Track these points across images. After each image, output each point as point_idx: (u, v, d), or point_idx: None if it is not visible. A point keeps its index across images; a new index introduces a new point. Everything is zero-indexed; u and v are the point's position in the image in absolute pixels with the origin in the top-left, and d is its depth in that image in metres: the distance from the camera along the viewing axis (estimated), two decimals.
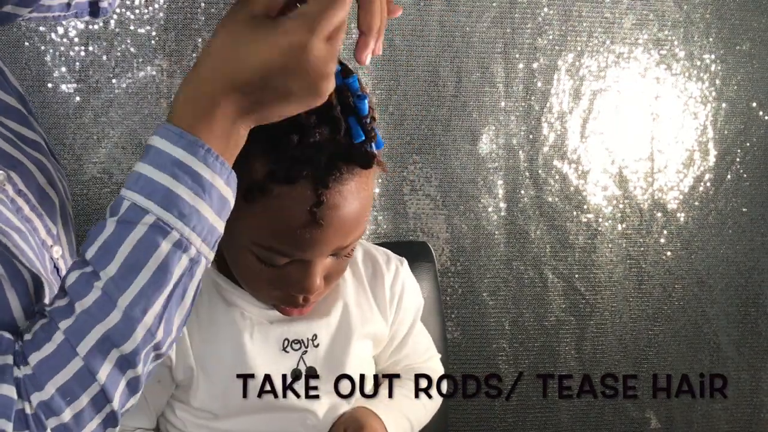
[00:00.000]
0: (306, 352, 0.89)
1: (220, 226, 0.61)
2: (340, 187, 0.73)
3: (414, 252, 1.26)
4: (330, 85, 0.61)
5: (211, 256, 0.62)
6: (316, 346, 0.89)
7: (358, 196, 0.74)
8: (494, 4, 1.45)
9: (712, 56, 1.56)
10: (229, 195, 0.61)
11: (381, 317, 0.95)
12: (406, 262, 0.99)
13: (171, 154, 0.58)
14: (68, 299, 0.58)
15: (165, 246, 0.58)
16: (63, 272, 0.71)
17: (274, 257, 0.76)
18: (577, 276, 1.55)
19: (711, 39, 1.55)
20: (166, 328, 0.60)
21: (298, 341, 0.89)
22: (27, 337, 0.58)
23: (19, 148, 0.71)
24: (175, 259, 0.58)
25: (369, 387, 0.97)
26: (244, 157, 0.71)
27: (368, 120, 0.74)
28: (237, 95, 0.59)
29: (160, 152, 0.58)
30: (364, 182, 0.75)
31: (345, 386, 0.91)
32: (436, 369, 1.06)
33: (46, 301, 0.64)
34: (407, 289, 0.98)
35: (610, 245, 1.56)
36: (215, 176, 0.59)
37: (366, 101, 0.73)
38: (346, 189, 0.73)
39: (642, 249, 1.57)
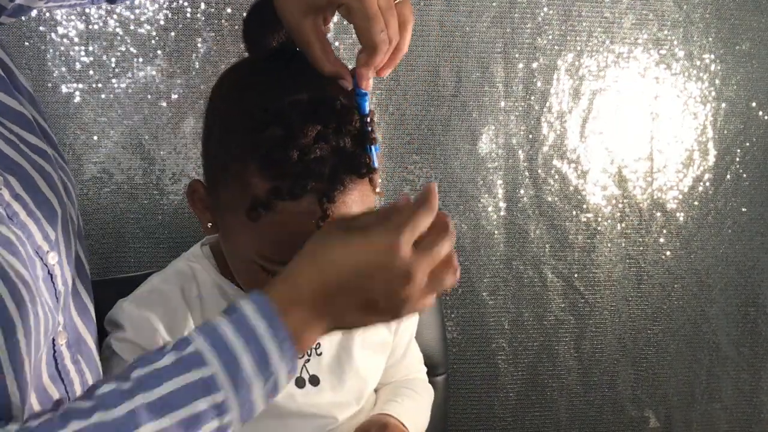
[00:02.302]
0: (308, 360, 0.89)
1: (259, 409, 0.62)
2: (344, 197, 0.72)
3: None
4: (417, 293, 0.63)
5: None
6: (319, 354, 0.89)
7: (361, 204, 0.74)
8: (494, 4, 1.45)
9: (712, 56, 1.56)
10: (282, 387, 0.62)
11: (385, 327, 0.95)
12: None
13: (254, 327, 0.60)
14: (92, 404, 0.58)
15: (204, 403, 0.59)
16: (58, 279, 0.71)
17: (279, 268, 0.76)
18: (576, 275, 1.55)
19: (710, 39, 1.55)
20: None
21: None
22: (32, 423, 0.58)
23: (20, 151, 0.70)
24: (206, 419, 0.59)
25: (371, 394, 0.97)
26: (241, 173, 0.71)
27: (370, 133, 0.74)
28: (323, 297, 0.62)
29: (245, 319, 0.60)
30: (366, 189, 0.75)
31: (348, 393, 0.91)
32: (424, 380, 1.07)
33: (28, 305, 0.63)
34: None
35: (609, 245, 1.56)
36: (282, 365, 0.61)
37: (368, 122, 0.73)
38: (350, 199, 0.73)
39: (641, 248, 1.58)
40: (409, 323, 0.99)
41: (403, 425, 0.93)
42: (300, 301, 0.62)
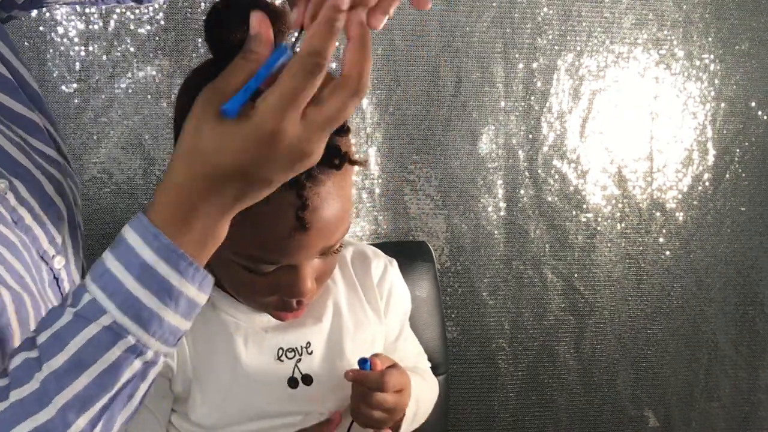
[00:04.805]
0: (300, 359, 0.88)
1: (187, 325, 0.59)
2: (317, 189, 0.71)
3: (414, 252, 1.26)
4: (315, 158, 0.58)
5: (174, 350, 0.59)
6: (310, 353, 0.88)
7: (337, 195, 0.73)
8: (494, 4, 1.45)
9: (711, 56, 1.56)
10: (201, 299, 0.59)
11: (375, 316, 0.94)
12: (395, 263, 0.98)
13: (140, 256, 0.55)
14: (7, 382, 0.55)
15: (117, 350, 0.55)
16: (65, 283, 0.70)
17: (260, 266, 0.75)
18: (576, 275, 1.55)
19: (710, 39, 1.55)
20: (105, 428, 0.57)
21: (293, 349, 0.88)
22: None
23: (26, 153, 0.70)
24: (126, 363, 0.56)
25: None
26: None
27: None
28: (215, 194, 0.56)
29: (130, 250, 0.56)
30: (340, 180, 0.73)
31: (342, 389, 0.91)
32: (428, 370, 1.06)
33: (30, 311, 0.62)
34: (395, 291, 0.97)
35: (609, 244, 1.56)
36: (185, 283, 0.57)
37: None
38: (324, 190, 0.72)
39: (641, 248, 1.58)
40: (398, 309, 0.98)
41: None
42: (188, 214, 0.56)
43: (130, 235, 0.57)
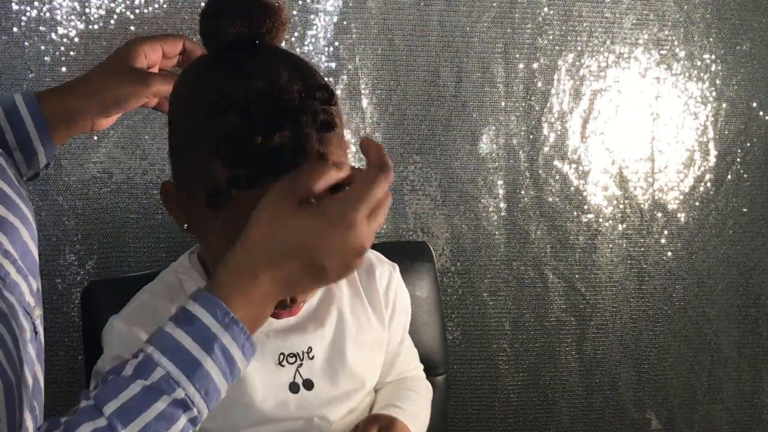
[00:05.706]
0: (301, 365, 0.88)
1: (225, 392, 0.64)
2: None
3: (414, 252, 1.26)
4: (361, 262, 0.65)
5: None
6: (311, 358, 0.88)
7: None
8: (494, 4, 1.45)
9: (713, 56, 1.56)
10: (244, 370, 0.64)
11: (378, 322, 0.94)
12: (397, 268, 0.98)
13: (217, 336, 0.61)
14: None
15: (183, 420, 0.60)
16: (41, 335, 0.69)
17: None
18: (577, 276, 1.55)
19: (711, 39, 1.55)
20: None
21: (294, 354, 0.88)
22: None
23: (4, 203, 0.67)
24: (186, 430, 0.61)
25: (367, 393, 0.96)
26: (202, 163, 0.70)
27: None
28: (275, 273, 0.62)
29: (205, 329, 0.61)
30: (337, 146, 0.73)
31: (343, 395, 0.91)
32: (423, 378, 1.06)
33: (15, 413, 0.61)
34: (399, 297, 0.97)
35: (610, 245, 1.55)
36: (244, 362, 0.63)
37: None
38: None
39: (642, 249, 1.57)
40: (402, 315, 0.98)
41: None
42: (249, 288, 0.62)
43: (199, 311, 0.61)
